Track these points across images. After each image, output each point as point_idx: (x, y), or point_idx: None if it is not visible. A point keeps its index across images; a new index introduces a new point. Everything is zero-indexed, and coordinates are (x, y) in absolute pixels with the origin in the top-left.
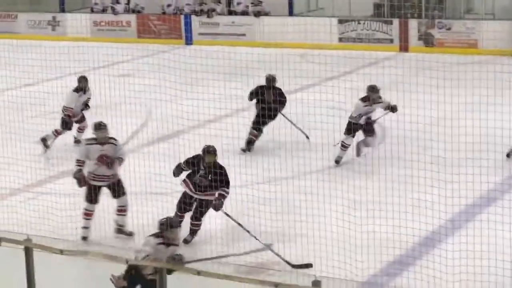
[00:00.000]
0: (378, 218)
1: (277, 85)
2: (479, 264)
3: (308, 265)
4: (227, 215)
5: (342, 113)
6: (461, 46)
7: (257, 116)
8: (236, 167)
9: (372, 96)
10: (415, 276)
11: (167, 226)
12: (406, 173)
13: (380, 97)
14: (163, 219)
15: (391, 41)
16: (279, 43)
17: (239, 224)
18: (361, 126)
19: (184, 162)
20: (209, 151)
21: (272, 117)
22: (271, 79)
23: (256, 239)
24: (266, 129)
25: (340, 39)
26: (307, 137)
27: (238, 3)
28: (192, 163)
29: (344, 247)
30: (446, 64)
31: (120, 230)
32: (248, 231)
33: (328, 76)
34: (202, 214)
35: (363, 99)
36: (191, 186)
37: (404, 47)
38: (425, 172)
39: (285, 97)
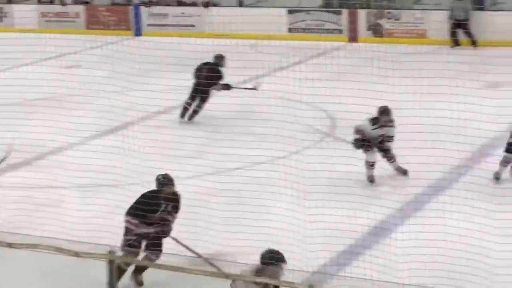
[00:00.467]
0: (328, 208)
1: (225, 70)
2: (428, 252)
3: None
4: (175, 240)
5: (291, 104)
6: (410, 36)
7: (192, 89)
8: (186, 158)
9: (382, 118)
10: (365, 265)
11: (272, 260)
12: (355, 163)
13: (391, 120)
14: (265, 252)
15: (340, 31)
16: (228, 34)
17: (188, 248)
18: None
19: (134, 216)
20: (170, 182)
21: (205, 92)
22: (216, 57)
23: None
24: (215, 120)
25: (290, 30)
26: (255, 88)
27: None
28: (149, 203)
29: (294, 237)
30: (395, 54)
31: None
32: (197, 254)
33: (277, 66)
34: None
35: (372, 121)
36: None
37: (353, 38)
38: (375, 162)
39: (219, 74)
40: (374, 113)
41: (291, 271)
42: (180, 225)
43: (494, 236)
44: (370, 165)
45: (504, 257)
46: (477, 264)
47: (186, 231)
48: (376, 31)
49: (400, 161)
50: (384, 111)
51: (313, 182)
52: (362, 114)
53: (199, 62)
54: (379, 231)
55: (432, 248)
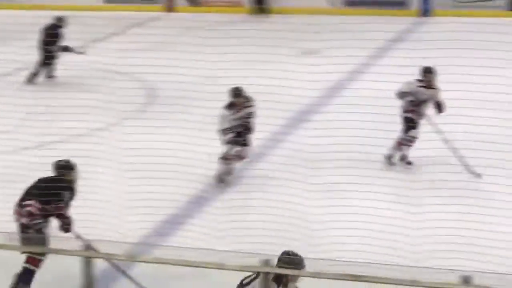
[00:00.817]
0: (149, 178)
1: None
2: (249, 219)
3: None
4: (79, 236)
5: (110, 75)
6: (226, 5)
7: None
8: (2, 133)
9: (238, 101)
10: (188, 234)
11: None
12: (173, 132)
13: (248, 100)
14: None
15: (156, 1)
16: (43, 5)
17: (88, 245)
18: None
19: (36, 200)
20: (72, 168)
21: (50, 57)
22: (57, 18)
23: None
24: (32, 93)
25: (106, 0)
26: (83, 52)
27: None
28: (51, 189)
29: (114, 209)
30: (212, 23)
31: None
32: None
33: (94, 37)
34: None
35: (228, 107)
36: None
37: (169, 7)
38: (192, 131)
39: (58, 35)
40: (195, 83)
41: (112, 243)
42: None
43: (312, 200)
44: (229, 159)
45: (322, 219)
46: (297, 229)
47: (7, 208)
48: (192, 0)
49: (213, 128)
50: (237, 92)
51: (133, 153)
52: (181, 84)
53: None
54: (200, 200)
55: (253, 214)
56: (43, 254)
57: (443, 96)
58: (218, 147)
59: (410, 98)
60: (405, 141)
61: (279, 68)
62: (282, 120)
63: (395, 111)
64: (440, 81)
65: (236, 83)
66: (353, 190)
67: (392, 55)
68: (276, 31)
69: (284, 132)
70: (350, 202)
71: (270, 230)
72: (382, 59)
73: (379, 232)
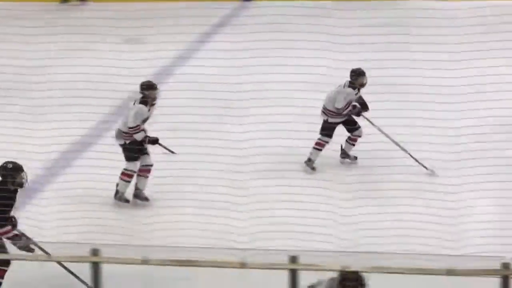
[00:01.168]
0: None
1: None
2: (74, 209)
3: None
4: (24, 235)
5: None
6: None
7: None
8: None
9: (151, 95)
10: (20, 226)
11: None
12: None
13: (155, 98)
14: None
15: None
16: None
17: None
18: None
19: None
20: (22, 168)
21: None
22: None
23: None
24: None
25: None
26: None
27: None
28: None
29: None
30: (30, 12)
31: None
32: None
33: None
34: None
35: (143, 102)
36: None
37: None
38: (16, 122)
39: None
40: (17, 73)
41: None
42: None
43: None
44: (130, 176)
45: (156, 205)
46: (125, 217)
47: None
48: None
49: (46, 119)
50: (151, 85)
51: None
52: (4, 74)
53: None
54: (29, 192)
55: (80, 204)
56: (6, 264)
57: (263, 79)
58: (43, 138)
59: (348, 109)
60: (317, 144)
61: (102, 56)
62: (109, 109)
63: (221, 95)
64: (264, 64)
65: (61, 72)
66: (185, 175)
67: (216, 39)
68: (97, 19)
69: (112, 121)
70: (183, 189)
71: (95, 219)
72: (207, 44)
73: (211, 217)
